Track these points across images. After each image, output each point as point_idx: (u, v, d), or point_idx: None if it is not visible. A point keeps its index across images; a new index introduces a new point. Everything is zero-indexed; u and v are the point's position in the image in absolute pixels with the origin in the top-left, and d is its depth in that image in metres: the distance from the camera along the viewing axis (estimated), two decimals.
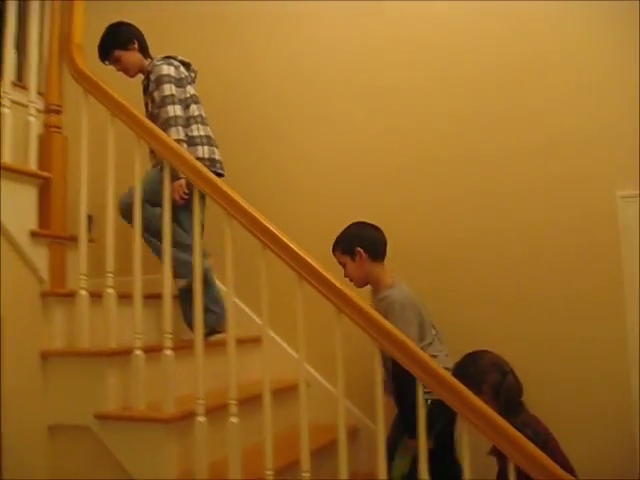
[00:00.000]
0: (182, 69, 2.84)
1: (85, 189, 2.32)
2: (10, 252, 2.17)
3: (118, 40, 2.82)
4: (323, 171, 3.15)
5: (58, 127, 2.47)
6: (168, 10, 3.52)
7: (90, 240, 2.40)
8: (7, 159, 2.25)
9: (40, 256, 2.27)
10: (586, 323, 2.64)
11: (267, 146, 3.29)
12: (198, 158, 2.51)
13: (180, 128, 2.64)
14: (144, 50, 2.91)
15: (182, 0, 3.50)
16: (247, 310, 2.96)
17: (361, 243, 2.50)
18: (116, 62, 2.84)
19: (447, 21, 3.01)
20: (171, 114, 2.65)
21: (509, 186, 2.82)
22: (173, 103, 2.68)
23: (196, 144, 2.74)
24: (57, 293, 2.28)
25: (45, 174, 2.37)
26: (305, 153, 3.21)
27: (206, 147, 2.76)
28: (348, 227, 2.59)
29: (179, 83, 2.78)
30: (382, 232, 2.57)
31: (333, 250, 2.56)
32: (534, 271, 2.75)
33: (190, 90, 2.84)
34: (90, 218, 2.49)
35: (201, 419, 2.00)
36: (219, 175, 2.70)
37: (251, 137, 3.31)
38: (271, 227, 2.00)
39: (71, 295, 2.25)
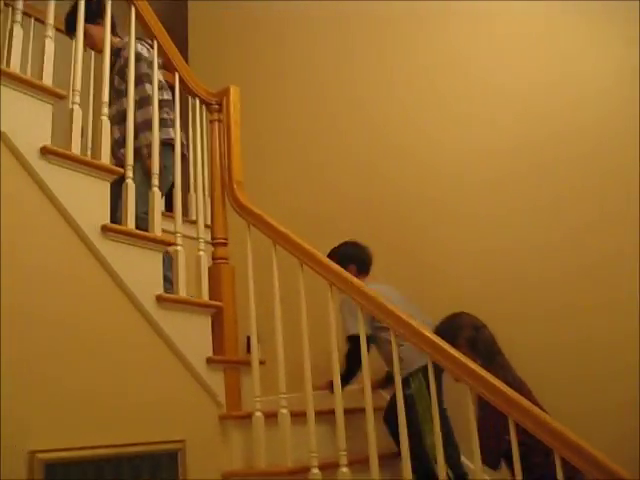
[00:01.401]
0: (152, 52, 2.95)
1: (254, 315, 2.66)
2: (189, 379, 2.49)
3: (87, 14, 2.67)
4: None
5: (225, 258, 2.85)
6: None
7: (261, 362, 2.75)
8: (182, 293, 2.65)
9: (216, 381, 2.57)
10: None
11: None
12: (169, 139, 2.95)
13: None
14: (113, 27, 2.92)
15: None
16: None
17: (354, 261, 3.14)
18: (85, 37, 2.70)
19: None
20: (149, 93, 2.95)
21: None
22: (150, 82, 2.96)
23: (168, 126, 3.04)
24: (234, 416, 2.55)
25: (216, 303, 2.71)
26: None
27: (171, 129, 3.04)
28: (345, 244, 3.25)
29: (151, 65, 2.94)
30: (370, 251, 3.25)
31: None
32: None
33: (159, 75, 3.02)
34: (260, 340, 2.88)
35: None
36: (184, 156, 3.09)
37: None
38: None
39: (247, 417, 2.51)
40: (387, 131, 3.90)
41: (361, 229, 3.64)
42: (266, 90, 4.52)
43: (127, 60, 2.81)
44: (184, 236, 2.74)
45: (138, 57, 2.98)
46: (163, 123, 2.96)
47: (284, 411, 2.47)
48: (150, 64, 2.96)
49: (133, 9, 2.76)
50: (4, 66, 2.20)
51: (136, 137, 2.82)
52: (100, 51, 2.96)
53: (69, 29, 3.01)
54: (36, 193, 2.20)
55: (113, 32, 2.99)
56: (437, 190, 3.63)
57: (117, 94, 3.05)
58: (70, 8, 3.00)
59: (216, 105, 3.02)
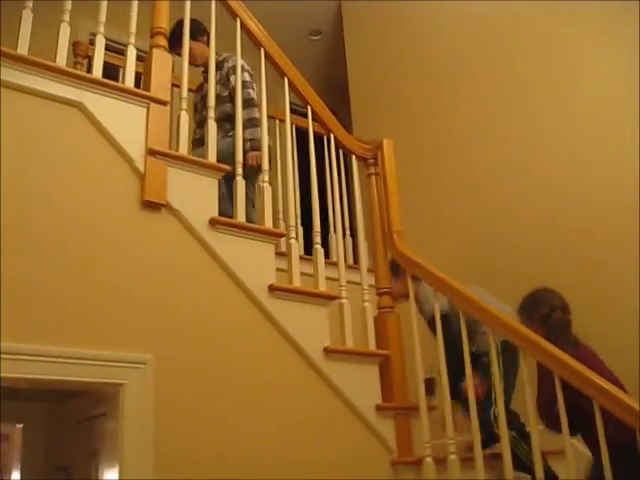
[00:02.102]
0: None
1: (420, 361, 2.79)
2: (359, 426, 2.67)
3: (190, 32, 3.00)
4: None
5: (390, 307, 3.03)
6: None
7: (430, 408, 2.90)
8: (349, 344, 2.88)
9: (387, 428, 2.72)
10: None
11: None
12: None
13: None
14: (207, 40, 3.32)
15: None
16: None
17: None
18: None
19: None
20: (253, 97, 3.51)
21: None
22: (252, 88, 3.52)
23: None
24: (405, 461, 2.68)
25: (384, 352, 2.87)
26: None
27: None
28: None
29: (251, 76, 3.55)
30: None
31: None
32: None
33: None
34: (432, 380, 3.05)
35: None
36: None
37: None
38: None
39: (418, 462, 2.63)
40: (559, 179, 3.94)
41: (524, 273, 3.72)
42: (425, 137, 4.77)
43: (228, 70, 3.51)
44: (331, 278, 2.98)
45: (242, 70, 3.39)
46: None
47: (453, 457, 2.58)
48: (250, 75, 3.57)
49: (286, 80, 3.12)
50: (173, 151, 2.62)
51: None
52: (198, 65, 3.64)
53: (172, 46, 3.32)
54: (207, 260, 2.56)
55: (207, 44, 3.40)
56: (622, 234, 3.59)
57: (218, 99, 3.35)
58: (173, 27, 3.30)
59: (372, 159, 3.27)
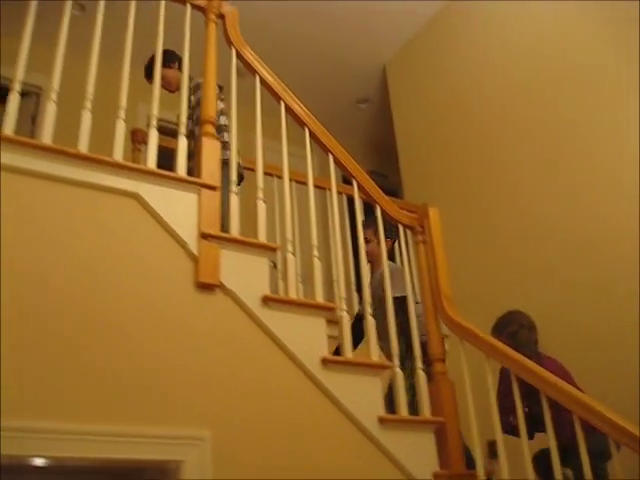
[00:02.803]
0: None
1: (475, 428, 2.86)
2: None
3: (162, 59, 3.10)
4: None
5: (444, 373, 3.07)
6: None
7: (489, 473, 2.92)
8: (404, 413, 2.89)
9: None
10: None
11: None
12: (227, 159, 3.09)
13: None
14: (179, 65, 3.53)
15: None
16: None
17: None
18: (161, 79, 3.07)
19: None
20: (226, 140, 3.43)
21: None
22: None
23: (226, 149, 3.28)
24: None
25: (439, 419, 2.91)
26: None
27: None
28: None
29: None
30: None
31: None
32: None
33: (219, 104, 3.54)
34: (494, 444, 3.05)
35: None
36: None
37: None
38: None
39: None
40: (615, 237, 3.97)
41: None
42: (475, 193, 4.86)
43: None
44: None
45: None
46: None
47: None
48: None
49: (331, 156, 3.26)
50: (224, 233, 2.76)
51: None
52: (173, 91, 3.85)
53: (147, 75, 3.63)
54: (260, 336, 2.66)
55: (180, 69, 3.54)
56: None
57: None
58: (149, 58, 3.63)
59: (419, 227, 3.36)
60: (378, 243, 3.43)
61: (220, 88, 3.74)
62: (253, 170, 3.11)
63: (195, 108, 3.52)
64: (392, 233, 3.70)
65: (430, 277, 3.26)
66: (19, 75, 2.61)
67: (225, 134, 3.60)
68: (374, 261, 3.71)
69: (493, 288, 4.56)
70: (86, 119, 2.64)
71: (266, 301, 2.70)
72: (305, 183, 3.23)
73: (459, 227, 4.69)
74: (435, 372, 3.10)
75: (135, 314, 2.45)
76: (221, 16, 3.21)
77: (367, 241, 3.63)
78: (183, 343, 2.49)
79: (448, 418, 2.97)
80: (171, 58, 3.77)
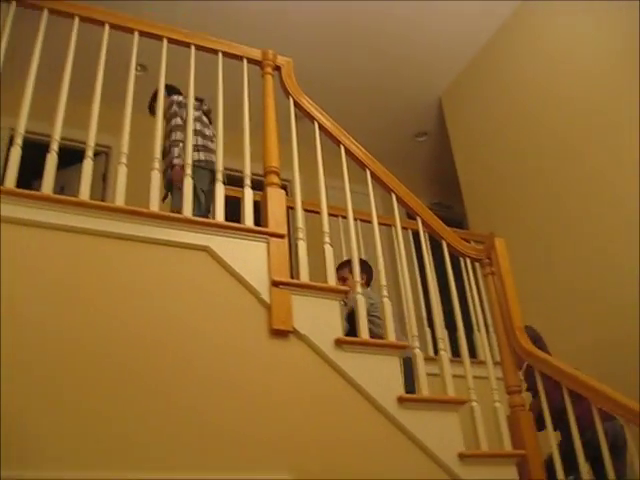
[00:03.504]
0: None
1: (559, 461, 2.87)
2: None
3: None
4: None
5: (522, 405, 3.06)
6: None
7: None
8: (484, 447, 2.88)
9: None
10: None
11: None
12: (196, 160, 3.57)
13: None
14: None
15: None
16: None
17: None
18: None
19: None
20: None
21: None
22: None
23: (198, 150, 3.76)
24: None
25: (520, 452, 2.89)
26: None
27: (202, 152, 3.80)
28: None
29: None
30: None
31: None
32: None
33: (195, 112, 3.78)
34: None
35: None
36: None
37: None
38: None
39: None
40: None
41: None
42: (540, 219, 4.83)
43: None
44: (458, 375, 3.06)
45: (180, 104, 3.92)
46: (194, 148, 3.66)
47: None
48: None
49: (393, 195, 3.31)
50: (295, 280, 2.83)
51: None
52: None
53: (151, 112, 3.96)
54: (335, 377, 2.70)
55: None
56: None
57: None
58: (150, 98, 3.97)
59: (486, 259, 3.37)
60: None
61: (201, 101, 4.04)
62: (318, 213, 3.18)
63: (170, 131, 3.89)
64: (367, 268, 4.07)
65: (501, 308, 3.26)
66: (90, 141, 2.75)
67: (199, 138, 3.86)
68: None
69: (559, 317, 4.49)
70: (155, 179, 2.77)
71: (339, 343, 2.74)
72: (370, 221, 3.27)
73: (524, 255, 4.66)
74: (513, 404, 3.08)
75: (211, 364, 2.53)
76: (277, 68, 3.32)
77: (343, 280, 3.88)
78: (260, 390, 2.55)
79: (529, 450, 2.95)
80: (172, 92, 3.99)
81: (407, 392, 2.83)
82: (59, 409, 2.22)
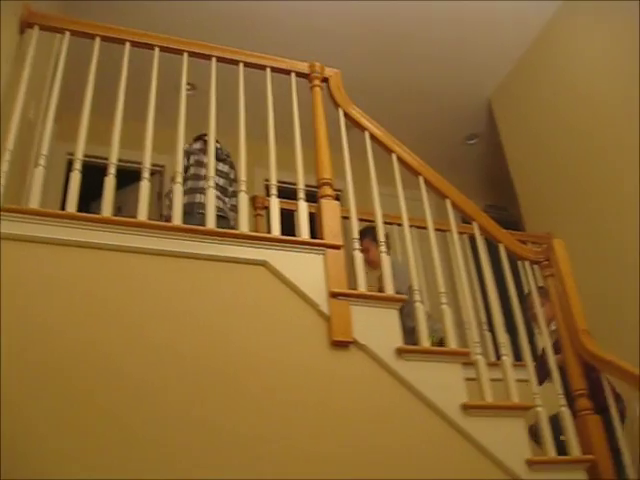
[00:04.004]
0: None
1: (630, 464, 2.81)
2: None
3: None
4: None
5: (590, 409, 2.97)
6: None
7: None
8: (552, 453, 2.83)
9: None
10: None
11: None
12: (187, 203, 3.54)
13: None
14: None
15: None
16: None
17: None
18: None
19: None
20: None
21: None
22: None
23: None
24: None
25: (589, 457, 2.83)
26: None
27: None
28: None
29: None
30: None
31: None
32: None
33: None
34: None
35: None
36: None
37: None
38: None
39: None
40: None
41: None
42: (597, 216, 4.74)
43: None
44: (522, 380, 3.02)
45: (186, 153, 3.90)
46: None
47: None
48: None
49: (448, 201, 3.29)
50: (353, 290, 2.84)
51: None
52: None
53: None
54: (396, 386, 2.70)
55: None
56: None
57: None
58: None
59: (545, 261, 3.32)
60: (377, 248, 3.27)
61: (204, 141, 3.99)
62: (372, 222, 3.18)
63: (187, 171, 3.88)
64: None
65: (563, 310, 3.21)
66: (146, 162, 2.81)
67: (201, 182, 3.84)
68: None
69: (622, 318, 4.39)
70: (211, 197, 2.80)
71: (400, 352, 2.74)
72: (425, 227, 3.26)
73: (583, 254, 4.57)
74: (580, 408, 3.02)
75: (272, 378, 2.55)
76: (325, 79, 3.34)
77: (367, 251, 3.89)
78: (322, 402, 2.57)
79: (598, 456, 2.88)
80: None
81: None
82: (126, 438, 2.26)
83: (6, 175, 2.56)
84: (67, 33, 3.03)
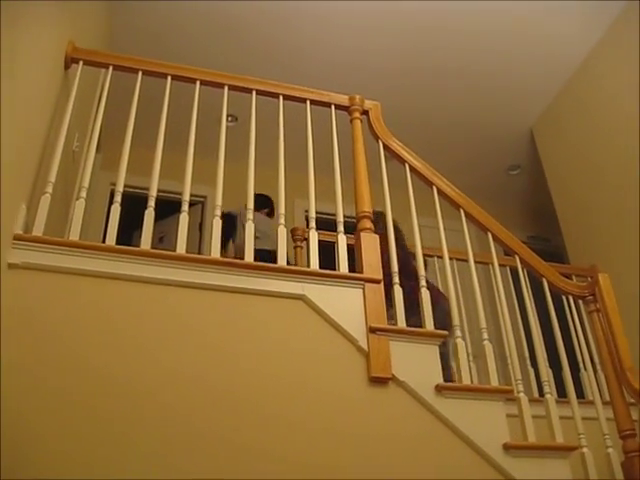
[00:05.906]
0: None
1: None
2: None
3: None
4: None
5: (637, 451, 2.86)
6: None
7: None
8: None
9: None
10: None
11: None
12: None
13: None
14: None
15: None
16: None
17: None
18: None
19: None
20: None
21: None
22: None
23: None
24: None
25: None
26: None
27: None
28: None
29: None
30: None
31: None
32: None
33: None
34: None
35: None
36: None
37: None
38: None
39: None
40: None
41: None
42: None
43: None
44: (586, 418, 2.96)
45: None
46: None
47: None
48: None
49: (489, 234, 3.24)
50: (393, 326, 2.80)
51: None
52: None
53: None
54: (436, 424, 2.63)
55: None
56: None
57: None
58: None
59: (590, 296, 3.23)
60: None
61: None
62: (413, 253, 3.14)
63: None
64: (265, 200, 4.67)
65: (609, 347, 3.11)
66: (186, 195, 2.82)
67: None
68: None
69: None
70: (250, 229, 2.80)
71: (440, 390, 2.68)
72: (466, 260, 3.21)
73: (630, 288, 4.46)
74: (628, 450, 2.92)
75: (310, 413, 2.51)
76: (365, 112, 3.33)
77: None
78: (361, 439, 2.52)
79: None
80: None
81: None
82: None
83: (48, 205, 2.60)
84: (110, 67, 3.07)
